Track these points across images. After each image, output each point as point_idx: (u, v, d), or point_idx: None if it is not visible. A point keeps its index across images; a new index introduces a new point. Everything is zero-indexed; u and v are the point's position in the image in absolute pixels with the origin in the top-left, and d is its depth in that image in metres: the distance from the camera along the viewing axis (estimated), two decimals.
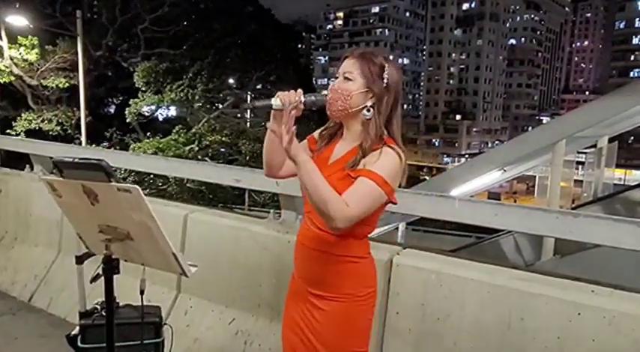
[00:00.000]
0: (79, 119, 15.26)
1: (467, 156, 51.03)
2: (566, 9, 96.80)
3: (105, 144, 16.77)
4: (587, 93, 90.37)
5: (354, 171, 1.45)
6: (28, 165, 4.04)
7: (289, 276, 1.71)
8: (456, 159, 59.56)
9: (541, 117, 76.00)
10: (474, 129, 70.39)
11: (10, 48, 14.59)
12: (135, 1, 17.13)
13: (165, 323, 2.24)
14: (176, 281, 2.91)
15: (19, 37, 14.48)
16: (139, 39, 17.80)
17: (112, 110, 21.52)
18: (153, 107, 17.89)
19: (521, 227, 2.40)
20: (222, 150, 18.02)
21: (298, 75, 20.76)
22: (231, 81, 18.74)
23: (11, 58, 14.75)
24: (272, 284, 2.50)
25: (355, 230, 1.48)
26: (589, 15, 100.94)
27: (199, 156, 16.23)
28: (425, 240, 12.30)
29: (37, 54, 14.82)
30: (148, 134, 17.04)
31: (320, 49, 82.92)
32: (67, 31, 15.59)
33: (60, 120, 16.05)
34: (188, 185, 15.92)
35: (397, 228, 9.49)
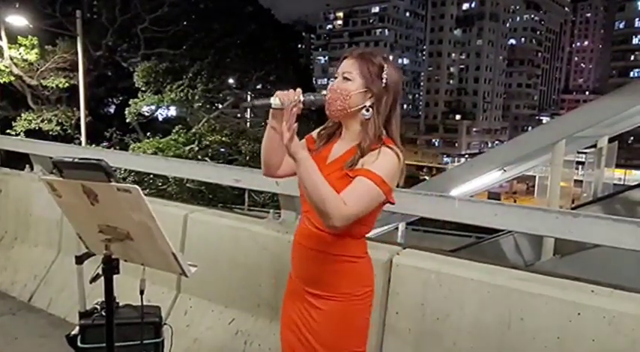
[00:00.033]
0: (78, 119, 15.26)
1: (467, 156, 51.05)
2: (566, 9, 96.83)
3: (105, 144, 16.76)
4: (587, 93, 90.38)
5: (352, 170, 1.46)
6: (27, 165, 4.04)
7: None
8: (456, 159, 59.57)
9: (541, 117, 76.00)
10: (474, 129, 70.39)
11: (10, 48, 14.59)
12: (135, 1, 17.14)
13: (165, 323, 2.24)
14: (176, 281, 2.91)
15: (19, 37, 14.48)
16: (138, 39, 17.80)
17: (111, 110, 21.52)
18: (153, 107, 17.89)
19: (521, 227, 2.41)
20: (222, 150, 18.02)
21: (298, 75, 20.75)
22: (231, 81, 18.74)
23: (11, 58, 14.75)
24: (272, 284, 2.50)
25: (353, 230, 1.48)
26: (589, 15, 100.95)
27: (199, 156, 16.22)
28: (425, 240, 12.30)
29: (36, 54, 14.82)
30: (148, 134, 17.04)
31: (320, 49, 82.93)
32: (66, 31, 15.60)
33: (60, 120, 16.05)
34: (188, 185, 15.92)
35: (397, 228, 9.49)
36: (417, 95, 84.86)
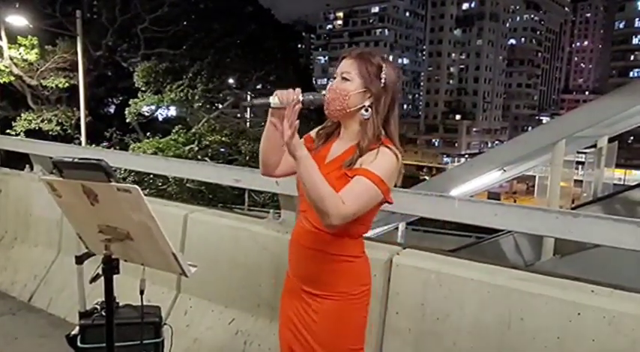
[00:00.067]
0: (78, 119, 15.26)
1: (467, 156, 51.04)
2: (566, 9, 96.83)
3: (105, 144, 16.76)
4: (586, 93, 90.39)
5: (350, 170, 1.47)
6: (27, 165, 4.04)
7: None
8: (456, 159, 59.57)
9: (541, 117, 76.01)
10: (474, 129, 70.40)
11: (9, 48, 14.58)
12: (135, 1, 17.13)
13: (165, 323, 2.24)
14: (176, 281, 2.91)
15: (18, 37, 14.47)
16: (138, 39, 17.79)
17: (111, 110, 21.52)
18: (153, 107, 17.89)
19: (521, 227, 2.40)
20: (222, 150, 18.01)
21: (298, 75, 20.75)
22: (231, 81, 18.73)
23: (11, 58, 14.74)
24: (271, 284, 2.50)
25: (351, 229, 1.50)
26: (589, 15, 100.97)
27: (199, 156, 16.22)
28: (425, 240, 12.30)
29: (36, 54, 14.82)
30: (148, 134, 17.03)
31: (320, 49, 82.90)
32: (66, 31, 15.59)
33: (60, 120, 16.04)
34: (188, 185, 15.92)
35: (397, 228, 9.50)
36: (417, 95, 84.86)
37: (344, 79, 1.51)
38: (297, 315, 1.60)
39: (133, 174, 14.47)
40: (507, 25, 78.51)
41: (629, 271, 4.57)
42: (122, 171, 13.58)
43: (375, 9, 79.22)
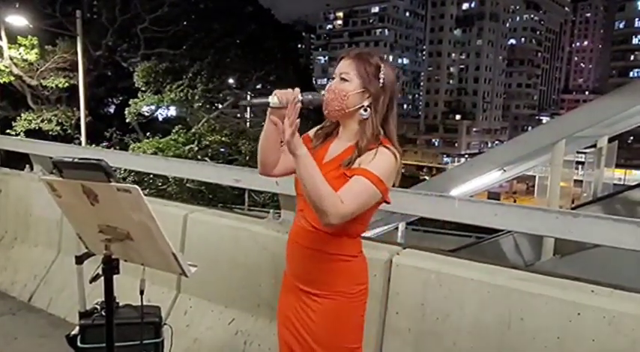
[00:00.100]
0: (78, 119, 15.26)
1: (467, 156, 51.04)
2: (566, 9, 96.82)
3: (104, 144, 16.75)
4: (586, 93, 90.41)
5: (349, 169, 1.47)
6: (27, 165, 4.05)
7: None
8: (456, 159, 59.58)
9: (541, 117, 75.99)
10: (474, 129, 70.39)
11: (9, 48, 14.58)
12: (135, 1, 17.12)
13: (165, 323, 2.24)
14: (176, 281, 2.91)
15: (18, 37, 14.47)
16: (138, 39, 17.79)
17: (111, 110, 21.52)
18: (153, 107, 17.89)
19: (521, 227, 2.41)
20: (222, 150, 18.01)
21: (298, 75, 20.75)
22: (230, 81, 18.73)
23: (11, 58, 14.74)
24: (271, 284, 2.50)
25: (349, 228, 1.50)
26: (589, 15, 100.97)
27: (199, 156, 16.22)
28: (425, 240, 12.31)
29: (36, 54, 14.82)
30: (148, 134, 17.03)
31: (320, 49, 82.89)
32: (66, 31, 15.59)
33: (60, 120, 16.04)
34: (188, 185, 15.92)
35: (397, 228, 9.49)
36: (417, 95, 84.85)
37: (342, 79, 1.51)
38: (295, 315, 1.61)
39: (133, 174, 14.47)
40: (507, 25, 78.48)
41: (629, 271, 4.57)
42: (122, 171, 13.58)
43: (375, 9, 79.20)
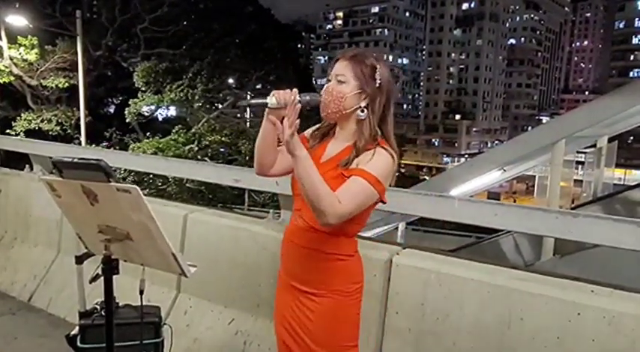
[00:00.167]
0: (78, 119, 15.26)
1: (466, 156, 51.05)
2: (566, 9, 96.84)
3: (104, 144, 16.76)
4: (586, 93, 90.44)
5: (347, 169, 1.48)
6: (27, 165, 4.05)
7: None
8: (456, 159, 59.58)
9: (541, 117, 76.01)
10: (474, 129, 70.39)
11: (9, 48, 14.58)
12: (135, 1, 17.13)
13: (164, 323, 2.24)
14: (176, 281, 2.91)
15: (18, 37, 14.47)
16: (138, 39, 17.79)
17: (111, 110, 21.52)
18: (152, 107, 17.89)
19: (520, 227, 2.41)
20: (222, 150, 18.01)
21: (298, 75, 20.76)
22: (230, 81, 18.74)
23: (11, 58, 14.74)
24: (271, 284, 2.48)
25: (346, 228, 1.51)
26: (589, 15, 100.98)
27: (199, 156, 16.22)
28: (425, 240, 12.30)
29: (36, 54, 14.81)
30: (148, 134, 17.03)
31: (320, 49, 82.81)
32: (66, 31, 15.60)
33: (59, 120, 16.04)
34: (187, 185, 15.91)
35: (397, 228, 9.48)
36: (416, 95, 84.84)
37: (339, 81, 1.52)
38: (292, 314, 1.62)
39: (132, 174, 14.47)
40: (507, 25, 78.48)
41: (629, 271, 4.57)
42: (122, 171, 13.58)
43: (375, 9, 79.19)
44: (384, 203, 1.53)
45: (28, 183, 3.82)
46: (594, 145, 9.20)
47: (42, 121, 15.76)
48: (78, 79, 14.52)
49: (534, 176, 14.84)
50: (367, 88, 1.51)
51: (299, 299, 1.60)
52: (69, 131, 16.29)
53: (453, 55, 76.88)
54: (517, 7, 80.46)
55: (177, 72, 16.67)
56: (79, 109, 14.93)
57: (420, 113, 79.57)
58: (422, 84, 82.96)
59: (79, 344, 2.08)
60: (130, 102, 16.64)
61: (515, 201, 37.26)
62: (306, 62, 27.69)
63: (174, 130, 16.49)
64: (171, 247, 1.45)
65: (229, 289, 2.71)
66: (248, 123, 19.20)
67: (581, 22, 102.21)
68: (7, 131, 14.36)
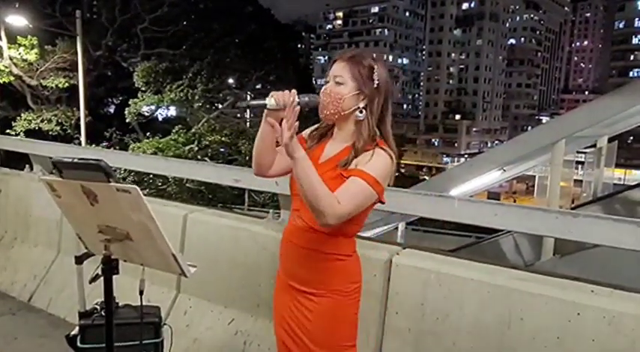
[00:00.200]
0: (78, 119, 15.26)
1: (466, 155, 51.04)
2: (566, 9, 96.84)
3: (104, 144, 16.76)
4: (586, 93, 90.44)
5: (346, 170, 1.49)
6: (27, 165, 4.05)
7: None
8: (456, 158, 59.57)
9: (541, 117, 76.00)
10: (474, 129, 70.39)
11: (9, 48, 14.58)
12: (134, 1, 17.13)
13: (164, 324, 2.24)
14: (176, 281, 2.91)
15: (18, 37, 14.48)
16: (138, 39, 17.79)
17: (111, 110, 21.53)
18: (152, 107, 17.89)
19: (520, 227, 2.41)
20: (222, 150, 18.02)
21: (298, 75, 20.76)
22: (230, 81, 18.74)
23: (11, 58, 14.74)
24: (271, 285, 2.47)
25: (344, 228, 1.52)
26: (588, 15, 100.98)
27: (199, 156, 16.22)
28: (424, 240, 12.31)
29: (36, 54, 14.82)
30: (148, 134, 17.04)
31: (320, 49, 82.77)
32: (66, 31, 15.60)
33: (59, 120, 16.04)
34: (187, 185, 15.92)
35: (397, 228, 9.48)
36: (416, 95, 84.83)
37: (337, 82, 1.52)
38: (290, 315, 1.62)
39: (132, 174, 14.47)
40: (507, 25, 78.47)
41: (629, 271, 4.57)
42: (122, 171, 13.59)
43: (375, 9, 79.17)
44: (383, 203, 1.53)
45: (28, 183, 3.82)
46: (594, 145, 9.20)
47: (42, 121, 15.76)
48: (78, 79, 14.52)
49: (534, 176, 14.85)
50: (365, 89, 1.51)
51: (297, 299, 1.60)
52: (69, 131, 16.30)
53: (453, 55, 76.87)
54: (517, 7, 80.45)
55: (177, 72, 16.68)
56: (79, 109, 14.93)
57: (420, 113, 79.55)
58: (422, 84, 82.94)
59: (79, 344, 2.07)
60: (130, 102, 16.65)
61: (515, 201, 37.27)
62: (306, 62, 27.70)
63: (174, 130, 16.50)
64: (171, 247, 1.45)
65: (229, 289, 2.71)
66: (248, 123, 19.20)
67: (581, 22, 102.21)
68: (7, 131, 14.36)
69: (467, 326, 2.00)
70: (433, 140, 69.88)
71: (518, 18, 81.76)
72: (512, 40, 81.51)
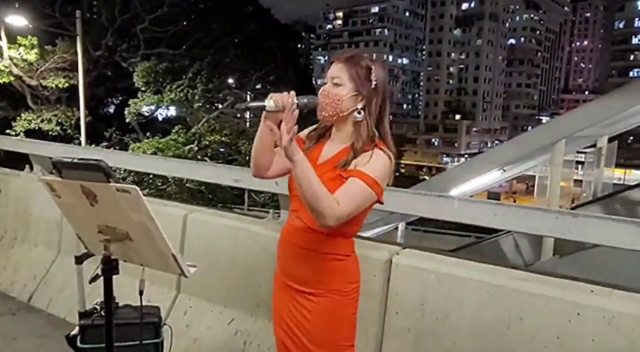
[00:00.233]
0: (78, 119, 15.26)
1: (466, 155, 51.05)
2: (566, 9, 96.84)
3: (104, 144, 16.76)
4: (586, 93, 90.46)
5: (345, 171, 1.49)
6: (27, 166, 4.05)
7: None
8: (456, 158, 59.57)
9: (541, 117, 75.97)
10: (474, 129, 70.37)
11: (9, 48, 14.59)
12: (134, 1, 17.13)
13: (164, 324, 2.24)
14: (175, 281, 2.91)
15: (18, 37, 14.48)
16: (138, 39, 17.79)
17: (111, 110, 21.53)
18: (152, 107, 17.89)
19: (520, 227, 2.41)
20: (222, 150, 18.02)
21: (298, 75, 20.76)
22: (230, 81, 18.74)
23: (11, 58, 14.74)
24: (271, 285, 2.49)
25: (343, 229, 1.52)
26: (588, 15, 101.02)
27: (199, 156, 16.22)
28: (424, 240, 12.31)
29: (36, 54, 14.82)
30: (148, 134, 17.04)
31: (319, 49, 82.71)
32: (66, 31, 15.60)
33: (59, 120, 16.05)
34: (187, 185, 15.92)
35: (397, 228, 9.49)
36: (416, 95, 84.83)
37: (335, 84, 1.52)
38: (289, 315, 1.62)
39: (132, 174, 14.47)
40: (507, 24, 78.44)
41: (628, 271, 4.57)
42: (122, 171, 13.59)
43: (375, 9, 79.15)
44: (382, 203, 1.54)
45: (28, 183, 3.82)
46: (594, 145, 9.20)
47: (42, 121, 15.77)
48: (78, 79, 14.53)
49: (534, 176, 14.84)
50: (363, 90, 1.51)
51: (296, 299, 1.60)
52: (69, 131, 16.30)
53: (453, 54, 76.85)
54: (517, 7, 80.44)
55: (177, 72, 16.68)
56: (78, 109, 14.93)
57: (420, 113, 79.52)
58: (422, 84, 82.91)
59: (78, 344, 2.07)
60: (129, 102, 16.65)
61: (515, 201, 37.27)
62: (306, 62, 27.70)
63: (174, 130, 16.50)
64: (170, 247, 1.45)
65: (229, 289, 2.71)
66: (248, 123, 19.21)
67: (581, 22, 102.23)
68: (7, 131, 14.37)
69: (467, 326, 2.00)
70: (433, 140, 69.86)
71: (518, 18, 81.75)
72: (512, 40, 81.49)
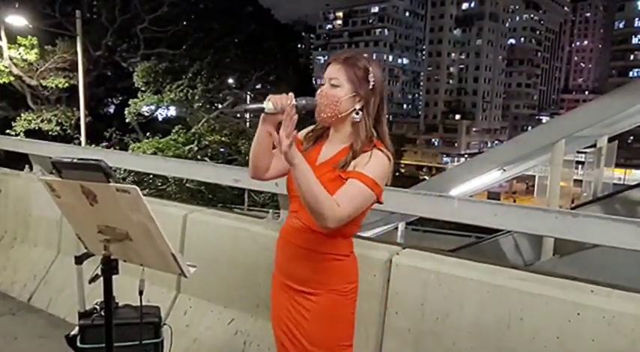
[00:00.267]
0: (78, 119, 15.27)
1: (466, 155, 51.06)
2: (566, 9, 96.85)
3: (104, 144, 16.76)
4: (586, 92, 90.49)
5: (344, 172, 1.49)
6: (27, 166, 4.05)
7: None
8: (456, 158, 59.58)
9: (541, 117, 75.98)
10: (474, 129, 70.37)
11: (9, 48, 14.58)
12: (134, 1, 17.12)
13: (164, 324, 2.24)
14: (175, 281, 2.91)
15: (18, 37, 14.48)
16: (138, 39, 17.79)
17: (111, 110, 21.53)
18: (152, 107, 17.89)
19: (520, 227, 2.41)
20: (222, 150, 18.03)
21: (298, 75, 20.76)
22: (230, 81, 18.74)
23: (11, 58, 14.74)
24: (270, 285, 2.50)
25: (343, 229, 1.52)
26: (588, 15, 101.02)
27: (199, 156, 16.23)
28: (424, 240, 12.32)
29: (36, 54, 14.82)
30: (148, 134, 17.04)
31: (319, 49, 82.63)
32: (66, 31, 15.60)
33: (59, 121, 16.05)
34: (187, 185, 15.92)
35: (397, 228, 9.48)
36: (416, 95, 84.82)
37: (333, 85, 1.53)
38: (287, 315, 1.63)
39: (132, 174, 14.47)
40: (507, 24, 78.42)
41: (628, 271, 4.57)
42: (122, 172, 13.59)
43: (375, 9, 79.15)
44: (381, 203, 1.54)
45: (28, 183, 3.82)
46: (594, 145, 9.20)
47: (42, 121, 15.77)
48: (78, 79, 14.53)
49: (534, 176, 14.83)
50: (361, 91, 1.52)
51: (295, 299, 1.61)
52: (69, 131, 16.30)
53: (453, 54, 76.84)
54: (517, 7, 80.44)
55: (177, 72, 16.68)
56: (78, 109, 14.94)
57: (420, 113, 79.50)
58: (422, 84, 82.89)
59: (78, 344, 2.07)
60: (129, 102, 16.65)
61: (515, 201, 37.28)
62: (306, 62, 27.68)
63: (174, 130, 16.50)
64: (170, 247, 1.45)
65: (229, 289, 2.71)
66: (248, 123, 19.20)
67: (581, 22, 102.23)
68: (7, 131, 14.36)
69: (467, 326, 2.00)
70: (433, 140, 69.85)
71: (518, 18, 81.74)
72: (512, 40, 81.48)
